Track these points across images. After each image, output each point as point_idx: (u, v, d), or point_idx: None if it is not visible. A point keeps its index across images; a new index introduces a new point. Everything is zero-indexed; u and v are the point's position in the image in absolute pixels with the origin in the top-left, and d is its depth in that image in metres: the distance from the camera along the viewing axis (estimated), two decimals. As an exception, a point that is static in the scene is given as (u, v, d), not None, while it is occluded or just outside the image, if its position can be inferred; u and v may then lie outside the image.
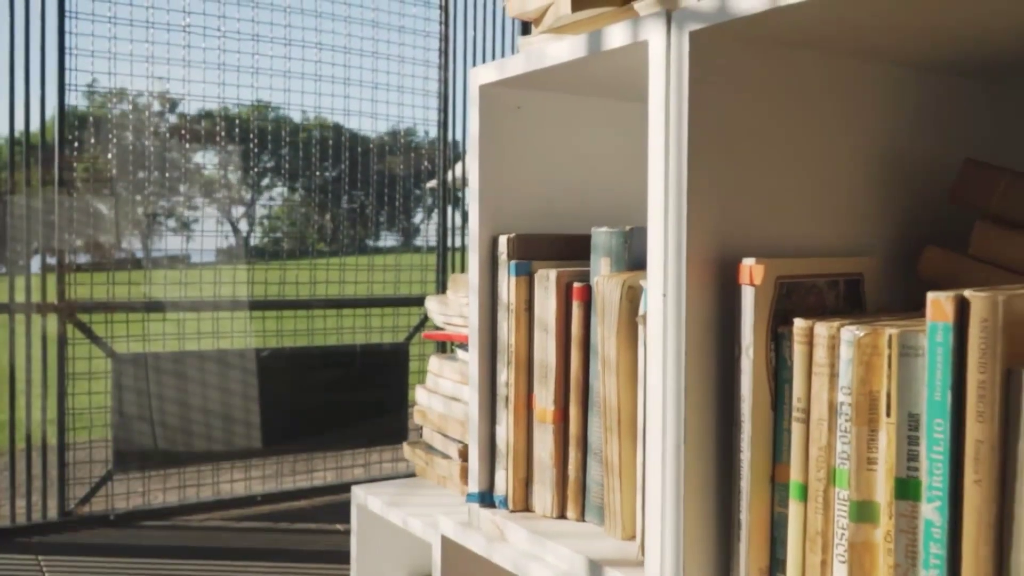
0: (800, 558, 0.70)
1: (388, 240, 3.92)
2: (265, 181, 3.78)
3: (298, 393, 3.33)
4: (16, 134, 2.88)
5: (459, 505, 1.10)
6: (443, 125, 3.53)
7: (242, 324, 3.27)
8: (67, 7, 2.86)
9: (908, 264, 0.84)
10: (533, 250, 0.97)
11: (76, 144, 3.00)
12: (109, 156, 3.07)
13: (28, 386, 2.89)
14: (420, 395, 1.41)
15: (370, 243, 3.83)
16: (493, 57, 3.60)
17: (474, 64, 3.58)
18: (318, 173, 3.48)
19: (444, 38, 3.48)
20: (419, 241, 3.92)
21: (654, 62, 0.75)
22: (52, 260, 2.93)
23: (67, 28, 2.87)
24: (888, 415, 0.63)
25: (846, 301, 0.80)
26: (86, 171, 3.07)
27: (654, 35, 0.75)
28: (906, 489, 0.62)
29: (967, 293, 0.59)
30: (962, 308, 0.59)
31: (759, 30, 0.71)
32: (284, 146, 3.40)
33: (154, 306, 3.13)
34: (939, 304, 0.59)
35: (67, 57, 2.88)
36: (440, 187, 3.63)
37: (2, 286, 2.91)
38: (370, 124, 3.44)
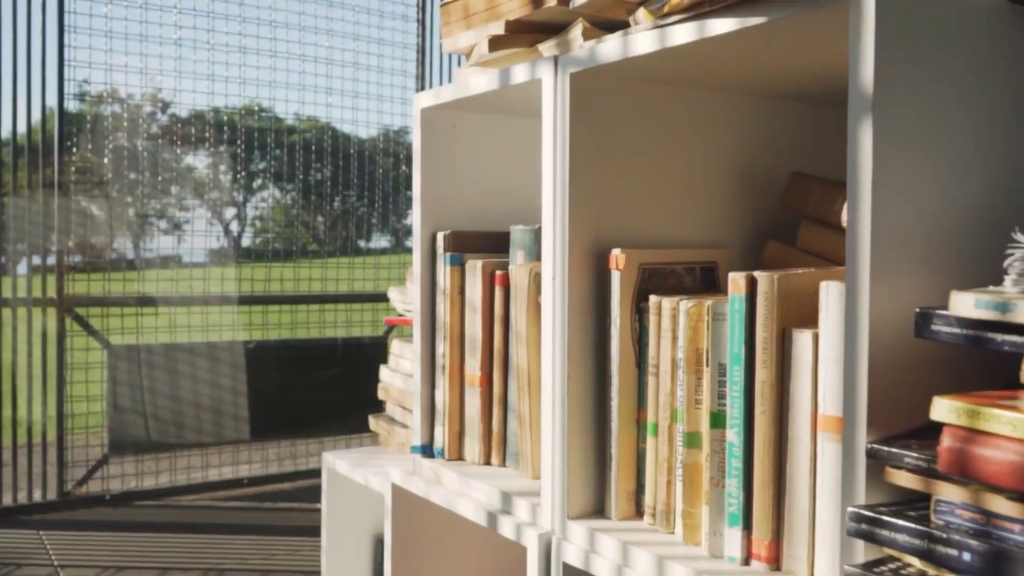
0: (654, 480, 0.91)
1: (380, 241, 4.06)
2: (257, 182, 3.93)
3: (283, 383, 3.53)
4: (18, 139, 3.08)
5: (411, 464, 1.30)
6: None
7: (230, 318, 3.47)
8: (66, 21, 3.06)
9: (754, 254, 1.04)
10: (465, 244, 1.18)
11: (74, 149, 3.20)
12: (105, 161, 3.27)
13: (29, 376, 3.08)
14: (383, 374, 1.61)
15: (362, 244, 3.96)
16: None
17: (450, 75, 3.78)
18: (302, 176, 3.66)
19: (421, 50, 3.69)
20: (412, 242, 4.04)
21: (545, 96, 0.95)
22: (51, 260, 3.12)
23: (66, 41, 3.07)
24: (707, 365, 0.84)
25: (703, 284, 1.00)
26: (82, 173, 3.26)
27: (546, 75, 0.95)
28: (717, 420, 0.83)
29: (756, 273, 0.79)
30: (752, 284, 0.79)
31: (622, 72, 0.92)
32: (275, 148, 3.57)
33: (147, 301, 3.33)
34: (736, 281, 0.80)
35: (66, 68, 3.08)
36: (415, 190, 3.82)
37: (4, 283, 3.11)
38: (351, 130, 3.65)
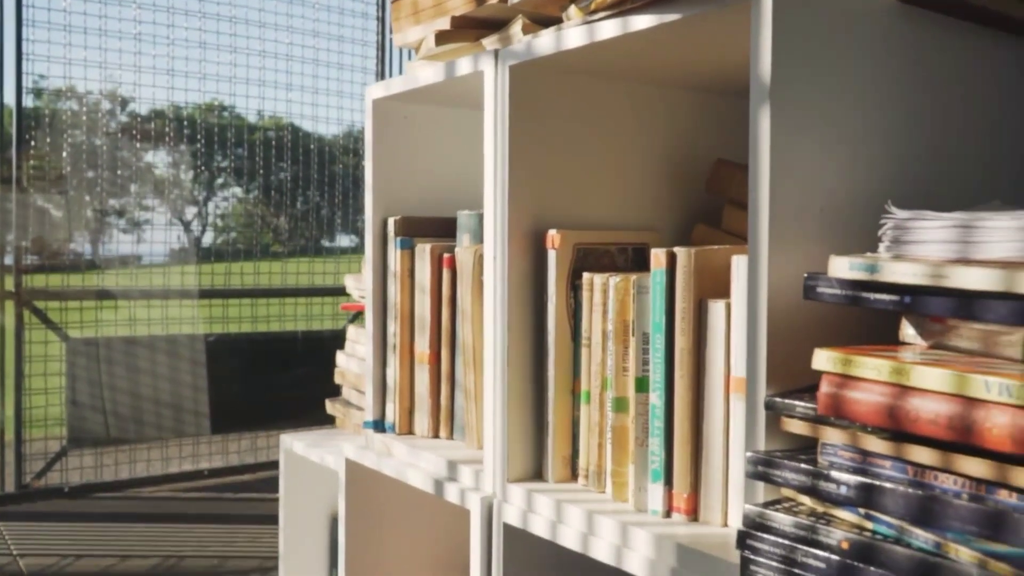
0: (587, 444, 0.98)
1: (343, 240, 4.08)
2: (219, 181, 3.92)
3: (243, 376, 3.56)
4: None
5: (364, 440, 1.36)
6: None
7: (190, 312, 3.49)
8: (24, 15, 3.07)
9: (684, 236, 1.12)
10: (415, 229, 1.24)
11: (32, 143, 3.20)
12: (64, 155, 3.27)
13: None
14: (340, 358, 1.66)
15: (325, 243, 3.97)
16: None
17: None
18: (263, 173, 3.69)
19: (380, 47, 3.75)
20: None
21: (487, 87, 1.02)
22: (8, 260, 3.13)
23: (24, 35, 3.08)
24: (633, 335, 0.91)
25: (634, 264, 1.07)
26: (40, 170, 3.26)
27: (487, 67, 1.02)
28: (642, 384, 0.90)
29: (675, 248, 0.87)
30: (672, 259, 0.87)
31: (557, 65, 0.99)
32: (236, 145, 3.59)
33: (106, 294, 3.34)
34: (657, 256, 0.87)
35: (24, 62, 3.09)
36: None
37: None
38: (311, 126, 3.69)
